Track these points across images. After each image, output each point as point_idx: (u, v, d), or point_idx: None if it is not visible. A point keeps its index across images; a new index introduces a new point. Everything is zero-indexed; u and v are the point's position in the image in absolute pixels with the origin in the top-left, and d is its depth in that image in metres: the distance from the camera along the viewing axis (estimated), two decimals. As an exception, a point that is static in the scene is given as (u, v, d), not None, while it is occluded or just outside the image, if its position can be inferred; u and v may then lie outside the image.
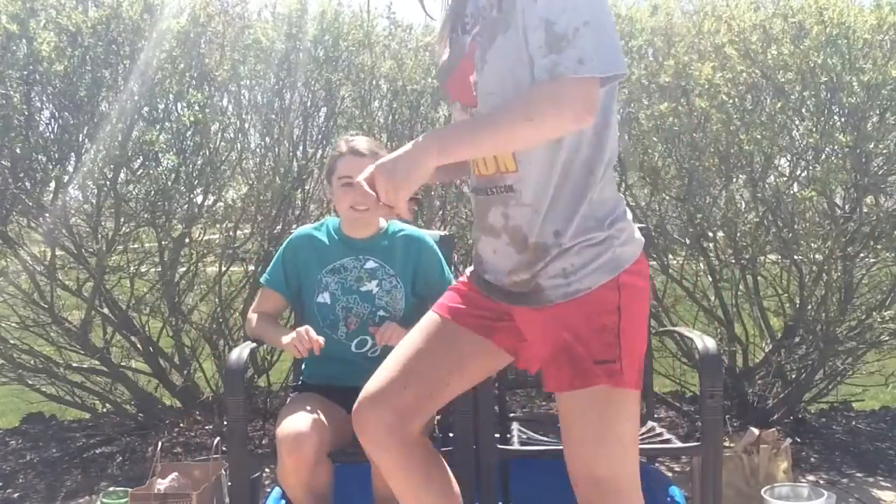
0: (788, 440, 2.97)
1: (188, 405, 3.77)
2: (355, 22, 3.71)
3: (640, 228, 2.76)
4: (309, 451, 2.10)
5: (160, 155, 3.39)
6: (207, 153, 3.45)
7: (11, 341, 3.57)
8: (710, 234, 3.54)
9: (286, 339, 2.27)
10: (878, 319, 3.32)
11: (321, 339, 2.24)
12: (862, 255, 3.30)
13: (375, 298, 2.40)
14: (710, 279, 3.67)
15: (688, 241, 3.64)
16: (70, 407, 3.85)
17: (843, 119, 3.26)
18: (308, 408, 2.22)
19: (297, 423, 2.14)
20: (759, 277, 3.62)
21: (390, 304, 2.40)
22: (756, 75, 3.29)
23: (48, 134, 3.35)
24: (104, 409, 3.86)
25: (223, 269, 3.67)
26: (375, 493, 2.22)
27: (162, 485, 2.70)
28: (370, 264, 2.42)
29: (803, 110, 3.29)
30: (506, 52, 1.50)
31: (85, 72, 3.25)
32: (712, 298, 3.73)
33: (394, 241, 2.45)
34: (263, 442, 3.57)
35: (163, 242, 3.48)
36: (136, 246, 3.56)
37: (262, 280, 2.53)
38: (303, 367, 2.56)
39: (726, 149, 3.30)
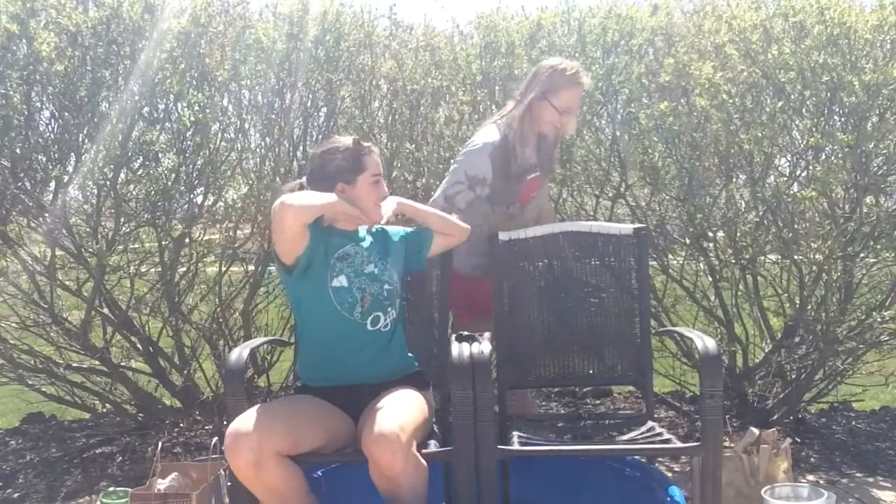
0: (788, 440, 2.97)
1: (188, 405, 3.77)
2: (356, 22, 3.71)
3: (640, 228, 2.82)
4: (247, 451, 2.10)
5: (160, 155, 3.39)
6: (207, 153, 3.45)
7: (11, 341, 3.57)
8: (710, 234, 3.53)
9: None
10: (878, 319, 3.31)
11: None
12: (862, 255, 3.30)
13: (378, 276, 2.48)
14: (710, 279, 3.67)
15: (688, 241, 3.64)
16: (70, 407, 3.85)
17: (843, 119, 3.25)
18: (265, 408, 2.23)
19: (239, 423, 2.16)
20: (759, 277, 3.62)
21: (391, 279, 2.50)
22: (756, 75, 3.29)
23: (48, 134, 3.35)
24: (104, 409, 3.86)
25: (223, 269, 3.67)
26: (379, 492, 2.22)
27: (162, 485, 2.70)
28: (366, 249, 2.50)
29: (803, 110, 3.28)
30: None
31: (85, 72, 3.25)
32: (712, 298, 3.73)
33: (374, 233, 2.58)
34: (263, 442, 3.56)
35: (163, 242, 3.48)
36: (136, 246, 3.56)
37: None
38: (297, 368, 2.57)
39: (726, 148, 3.30)
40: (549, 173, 3.19)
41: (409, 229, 2.66)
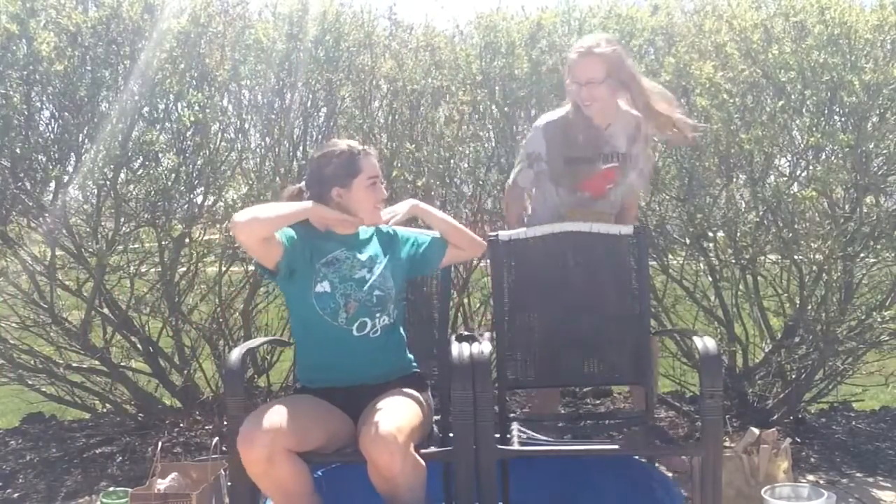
0: (788, 440, 2.97)
1: (188, 405, 3.77)
2: (356, 22, 3.71)
3: (640, 228, 2.82)
4: (260, 447, 2.12)
5: (160, 155, 3.40)
6: (207, 153, 3.45)
7: (11, 341, 3.57)
8: (710, 234, 3.53)
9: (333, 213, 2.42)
10: (878, 319, 3.31)
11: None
12: (862, 255, 3.30)
13: (368, 282, 2.44)
14: (710, 279, 3.67)
15: (688, 241, 3.64)
16: (70, 407, 3.85)
17: (843, 119, 3.26)
18: (275, 406, 2.23)
19: (252, 420, 2.18)
20: (759, 277, 3.62)
21: (383, 285, 2.46)
22: (757, 74, 3.29)
23: (48, 134, 3.36)
24: (104, 409, 3.86)
25: (223, 269, 3.67)
26: (378, 492, 2.22)
27: (162, 485, 2.70)
28: (360, 255, 2.47)
29: (804, 110, 3.28)
30: None
31: (85, 72, 3.26)
32: (712, 298, 3.73)
33: (374, 234, 2.56)
34: (263, 442, 3.56)
35: (163, 242, 3.48)
36: (136, 246, 3.56)
37: None
38: (295, 370, 2.57)
39: (726, 148, 3.30)
40: (632, 167, 2.98)
41: (426, 237, 2.61)
